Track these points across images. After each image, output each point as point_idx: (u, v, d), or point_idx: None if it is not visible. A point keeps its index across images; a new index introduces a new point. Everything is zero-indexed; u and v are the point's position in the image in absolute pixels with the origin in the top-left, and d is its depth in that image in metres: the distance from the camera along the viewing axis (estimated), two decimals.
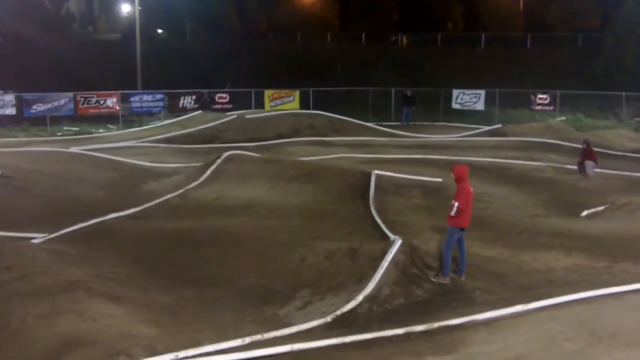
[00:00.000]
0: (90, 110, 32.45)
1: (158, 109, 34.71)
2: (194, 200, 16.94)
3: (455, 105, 38.12)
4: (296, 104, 37.23)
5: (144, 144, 26.78)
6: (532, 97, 37.31)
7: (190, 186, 17.96)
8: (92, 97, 32.47)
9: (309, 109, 35.30)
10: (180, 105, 35.14)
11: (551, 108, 36.78)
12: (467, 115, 37.13)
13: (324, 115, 32.20)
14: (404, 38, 59.37)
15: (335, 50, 51.63)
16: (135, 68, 37.17)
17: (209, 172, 18.95)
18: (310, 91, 37.56)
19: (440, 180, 18.16)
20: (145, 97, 34.41)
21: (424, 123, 35.77)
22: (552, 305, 9.36)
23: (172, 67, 42.61)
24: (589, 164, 20.62)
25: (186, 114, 33.66)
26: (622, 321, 8.84)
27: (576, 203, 16.97)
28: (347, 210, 15.85)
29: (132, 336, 8.01)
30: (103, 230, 13.72)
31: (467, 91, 38.02)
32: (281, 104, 36.92)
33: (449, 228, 11.03)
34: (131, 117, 34.09)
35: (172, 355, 7.57)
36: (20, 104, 30.68)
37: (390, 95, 38.47)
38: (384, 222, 14.06)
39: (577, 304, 9.45)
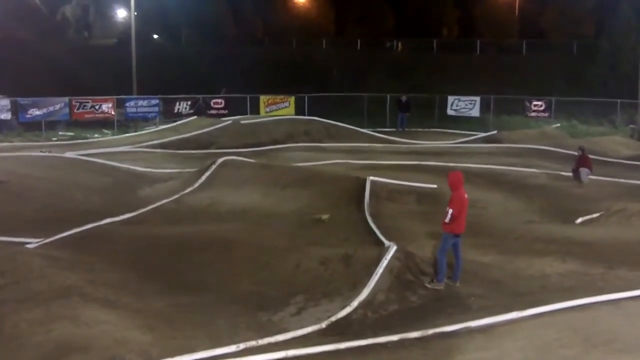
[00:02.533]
0: (86, 116, 32.41)
1: (153, 114, 34.68)
2: (188, 205, 16.91)
3: (450, 112, 38.18)
4: (291, 109, 37.23)
5: (139, 149, 26.74)
6: (527, 103, 37.39)
7: (185, 192, 17.92)
8: (88, 102, 32.43)
9: (304, 115, 35.33)
10: (176, 111, 35.13)
11: (546, 115, 36.89)
12: (462, 122, 37.17)
13: (319, 121, 32.23)
14: (399, 44, 59.55)
15: (330, 56, 51.68)
16: (130, 73, 37.09)
17: (204, 177, 18.92)
18: (306, 97, 37.56)
19: (434, 186, 18.16)
20: (140, 103, 34.35)
21: (419, 129, 35.86)
22: (547, 312, 9.35)
23: (168, 72, 42.56)
24: (583, 170, 20.66)
25: (181, 120, 33.64)
26: (617, 328, 8.83)
27: (571, 210, 16.98)
28: (342, 216, 15.80)
29: (126, 342, 7.99)
30: (98, 236, 13.69)
31: (462, 98, 38.10)
32: (276, 110, 36.93)
33: (444, 234, 11.02)
34: (126, 123, 34.04)
35: None
36: (16, 109, 30.62)
37: (386, 101, 38.48)
38: (378, 228, 14.03)
39: (572, 311, 9.43)
